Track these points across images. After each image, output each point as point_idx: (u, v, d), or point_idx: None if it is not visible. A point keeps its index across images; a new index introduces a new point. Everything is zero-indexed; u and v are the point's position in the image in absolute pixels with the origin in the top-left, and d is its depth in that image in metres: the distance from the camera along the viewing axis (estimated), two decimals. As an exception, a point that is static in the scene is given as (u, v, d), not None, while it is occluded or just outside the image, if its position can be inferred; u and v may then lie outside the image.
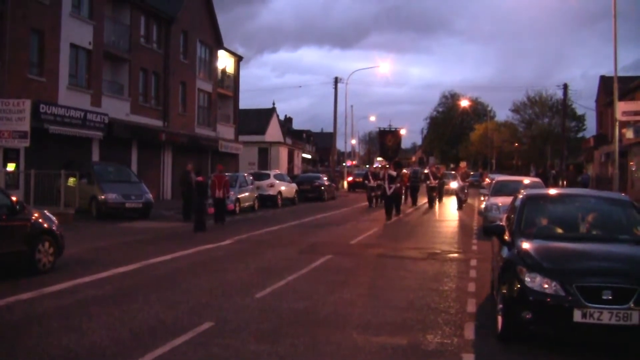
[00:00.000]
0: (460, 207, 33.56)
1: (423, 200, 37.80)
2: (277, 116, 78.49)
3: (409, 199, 37.80)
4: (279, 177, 38.54)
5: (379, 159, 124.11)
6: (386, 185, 27.74)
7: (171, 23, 39.91)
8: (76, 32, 30.68)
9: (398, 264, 14.81)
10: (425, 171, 38.41)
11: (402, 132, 71.28)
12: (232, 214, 27.93)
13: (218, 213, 24.75)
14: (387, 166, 31.56)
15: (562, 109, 66.14)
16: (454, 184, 39.76)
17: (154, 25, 38.78)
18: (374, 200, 35.61)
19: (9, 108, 25.02)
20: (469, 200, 37.85)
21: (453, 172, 41.73)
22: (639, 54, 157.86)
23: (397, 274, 13.32)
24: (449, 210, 33.67)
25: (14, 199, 12.25)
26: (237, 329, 8.56)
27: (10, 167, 26.50)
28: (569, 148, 70.00)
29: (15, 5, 26.37)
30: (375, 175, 35.06)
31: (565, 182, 52.44)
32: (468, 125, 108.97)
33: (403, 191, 33.10)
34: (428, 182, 36.11)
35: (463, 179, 36.19)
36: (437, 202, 36.52)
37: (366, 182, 37.54)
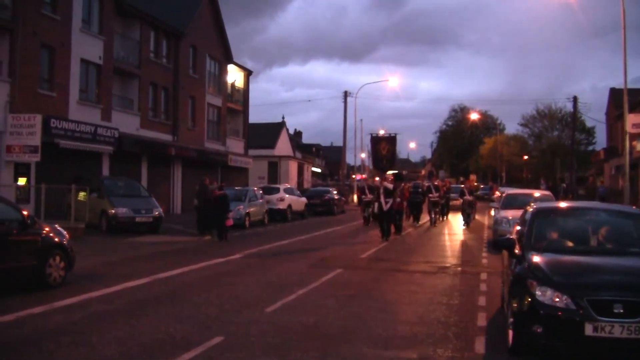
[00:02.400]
0: (467, 224, 31.00)
1: (427, 218, 33.72)
2: (287, 130, 78.63)
3: (411, 216, 34.09)
4: (288, 191, 38.50)
5: (390, 172, 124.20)
6: (382, 200, 24.15)
7: (180, 38, 40.11)
8: (86, 47, 30.86)
9: (408, 278, 14.78)
10: (427, 184, 34.99)
11: (412, 145, 68.59)
12: (241, 227, 28.02)
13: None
14: (382, 178, 27.67)
15: (572, 121, 66.05)
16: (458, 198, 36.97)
17: (163, 40, 38.98)
18: (370, 218, 31.62)
19: (20, 123, 25.29)
20: (477, 217, 35.43)
21: (462, 186, 37.94)
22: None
23: (407, 288, 13.29)
24: (456, 226, 32.10)
25: (25, 213, 12.31)
26: (247, 343, 8.55)
27: (21, 181, 26.63)
28: (579, 161, 69.86)
29: (25, 21, 26.57)
30: (373, 190, 30.34)
31: (574, 195, 52.14)
32: (477, 138, 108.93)
33: (405, 207, 29.74)
34: (430, 195, 33.00)
35: (471, 193, 32.89)
36: (440, 219, 34.30)
37: (363, 197, 34.03)
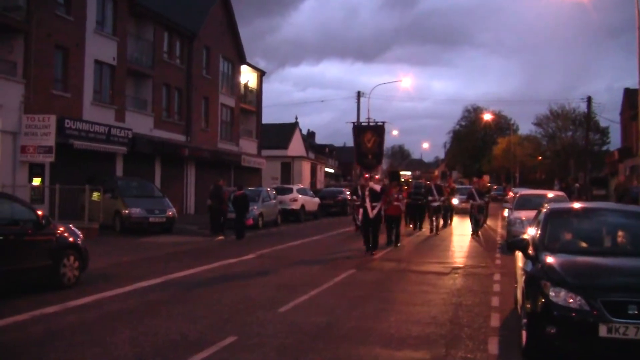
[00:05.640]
0: (475, 232, 26.68)
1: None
2: (300, 131, 78.65)
3: (411, 222, 30.16)
4: (301, 191, 38.48)
5: (403, 172, 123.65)
6: (367, 205, 20.14)
7: (193, 39, 40.20)
8: (100, 48, 30.99)
9: (421, 279, 14.76)
10: (428, 185, 30.38)
11: (425, 145, 63.81)
12: (254, 228, 28.09)
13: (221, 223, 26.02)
14: (369, 177, 23.91)
15: (586, 122, 65.77)
16: (455, 201, 33.52)
17: (176, 41, 39.08)
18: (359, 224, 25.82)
19: (34, 124, 25.43)
20: (489, 222, 32.17)
21: (470, 187, 33.45)
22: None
23: (419, 289, 13.28)
24: (462, 231, 28.94)
25: (39, 213, 12.38)
26: (260, 343, 8.56)
27: (36, 181, 26.77)
28: (593, 161, 69.54)
29: (40, 22, 26.68)
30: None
31: (588, 196, 51.65)
32: (491, 139, 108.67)
33: (402, 212, 24.36)
34: (431, 198, 28.55)
35: (481, 195, 27.91)
36: (442, 226, 29.57)
37: (354, 197, 27.31)
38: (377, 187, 20.67)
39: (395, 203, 22.02)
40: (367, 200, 20.14)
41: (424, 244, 23.58)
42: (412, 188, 30.43)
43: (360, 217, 21.83)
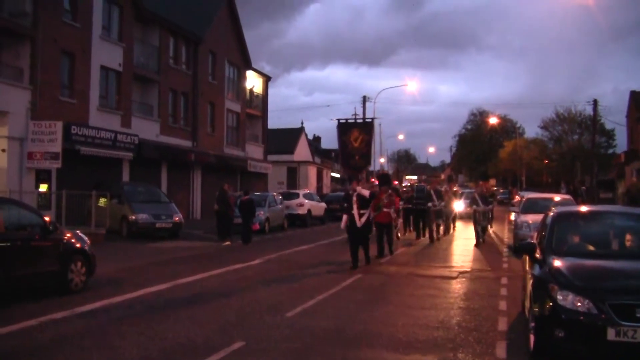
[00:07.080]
0: (479, 241, 24.23)
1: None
2: (306, 135, 78.60)
3: (410, 229, 28.46)
4: (308, 196, 38.49)
5: (409, 177, 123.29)
6: (355, 212, 17.80)
7: (199, 44, 40.28)
8: (106, 54, 31.06)
9: (428, 283, 14.75)
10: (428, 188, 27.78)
11: (431, 149, 62.30)
12: (261, 232, 28.10)
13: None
14: (358, 182, 20.26)
15: (592, 125, 65.68)
16: (459, 205, 32.51)
17: (182, 46, 39.16)
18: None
19: (41, 130, 25.50)
20: (494, 227, 30.94)
21: (472, 191, 31.65)
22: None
23: (427, 293, 13.27)
24: (466, 235, 27.73)
25: (47, 219, 12.43)
26: (267, 348, 8.57)
27: (43, 187, 26.81)
28: (599, 164, 69.40)
29: (46, 28, 26.76)
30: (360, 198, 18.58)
31: (595, 199, 51.41)
32: (497, 142, 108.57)
33: (395, 219, 22.41)
34: (430, 204, 25.99)
35: (486, 200, 25.69)
36: (442, 233, 27.70)
37: (345, 205, 19.38)
38: (366, 193, 18.23)
39: (385, 210, 19.95)
40: (355, 207, 17.81)
41: (428, 249, 23.38)
42: (413, 192, 28.40)
43: (344, 224, 18.69)
